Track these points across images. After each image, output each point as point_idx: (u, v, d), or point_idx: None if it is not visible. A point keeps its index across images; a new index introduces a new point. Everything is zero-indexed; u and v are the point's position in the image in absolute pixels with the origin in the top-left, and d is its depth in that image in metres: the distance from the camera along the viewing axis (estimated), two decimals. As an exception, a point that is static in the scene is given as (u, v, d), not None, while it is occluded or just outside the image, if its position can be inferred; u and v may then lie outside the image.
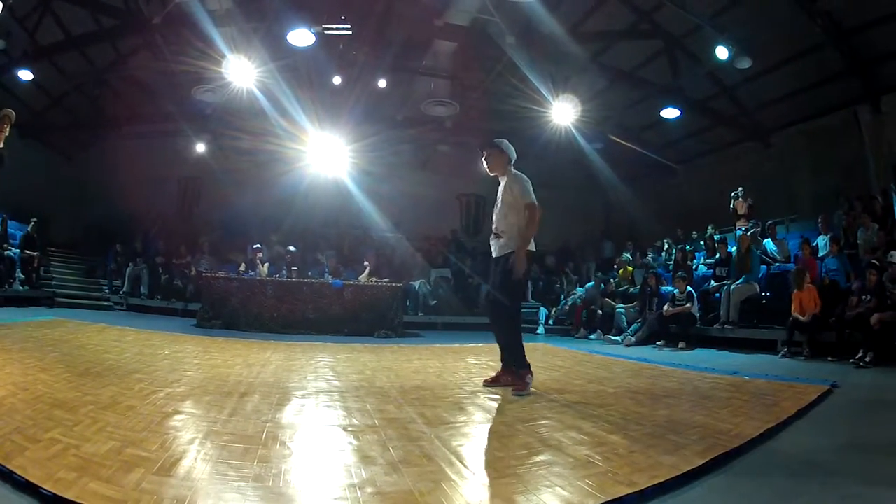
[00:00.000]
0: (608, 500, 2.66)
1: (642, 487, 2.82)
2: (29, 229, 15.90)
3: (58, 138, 19.84)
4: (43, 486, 2.61)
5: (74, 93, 18.42)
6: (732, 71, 13.76)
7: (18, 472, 2.76)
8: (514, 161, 6.15)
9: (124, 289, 17.10)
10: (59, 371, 5.60)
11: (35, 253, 15.64)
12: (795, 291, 9.97)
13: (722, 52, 12.94)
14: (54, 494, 2.55)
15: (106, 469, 2.86)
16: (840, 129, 14.48)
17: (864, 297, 8.97)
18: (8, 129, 7.78)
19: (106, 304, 16.91)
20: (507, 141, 6.21)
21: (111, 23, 14.96)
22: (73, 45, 15.78)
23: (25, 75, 15.64)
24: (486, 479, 2.96)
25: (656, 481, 2.91)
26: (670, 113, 16.29)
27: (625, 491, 2.76)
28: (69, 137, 20.44)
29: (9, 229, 15.38)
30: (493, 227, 6.07)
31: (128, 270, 17.26)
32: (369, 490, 2.72)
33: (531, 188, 5.87)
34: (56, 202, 18.65)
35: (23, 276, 15.05)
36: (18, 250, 15.19)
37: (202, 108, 17.69)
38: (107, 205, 19.64)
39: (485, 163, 6.15)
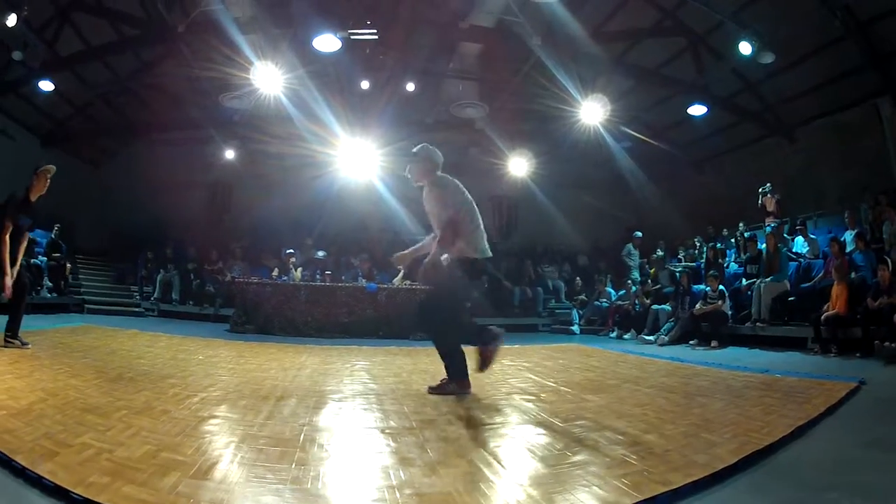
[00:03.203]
0: (643, 498, 2.67)
1: (677, 486, 2.83)
2: (53, 235, 16.02)
3: (82, 146, 20.00)
4: (73, 491, 2.60)
5: (98, 101, 18.55)
6: (756, 66, 13.65)
7: (48, 476, 2.75)
8: (440, 165, 5.91)
9: (155, 295, 17.29)
10: (91, 377, 5.63)
11: (60, 255, 15.81)
12: (835, 285, 9.95)
13: (745, 48, 12.83)
14: (85, 498, 2.55)
15: (140, 473, 2.87)
16: (862, 123, 14.33)
17: (881, 297, 8.94)
18: (47, 183, 7.89)
19: (136, 310, 17.08)
20: (428, 146, 5.96)
21: (133, 32, 15.03)
22: (94, 56, 15.88)
23: (46, 85, 15.77)
24: (523, 480, 2.97)
25: (690, 480, 2.92)
26: (697, 110, 16.23)
27: (660, 489, 2.77)
28: (94, 145, 20.60)
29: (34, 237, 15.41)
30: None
31: (159, 277, 17.45)
32: (408, 491, 2.73)
33: (456, 194, 5.72)
34: (81, 210, 18.77)
35: (50, 284, 15.16)
36: (45, 258, 15.33)
37: (230, 114, 17.79)
38: (134, 211, 19.82)
39: (409, 175, 5.93)
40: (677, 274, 14.42)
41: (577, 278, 18.58)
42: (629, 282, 15.98)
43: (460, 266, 5.61)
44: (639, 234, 18.06)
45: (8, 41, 13.60)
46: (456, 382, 5.61)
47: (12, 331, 7.99)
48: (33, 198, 7.81)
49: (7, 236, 7.44)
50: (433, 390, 5.64)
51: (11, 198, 7.67)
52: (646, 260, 17.27)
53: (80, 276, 18.13)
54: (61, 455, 3.06)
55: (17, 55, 13.58)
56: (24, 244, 7.98)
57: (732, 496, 2.88)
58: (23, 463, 2.89)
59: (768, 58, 12.95)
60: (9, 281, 7.50)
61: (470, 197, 5.77)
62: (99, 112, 19.19)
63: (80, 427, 3.67)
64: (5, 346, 7.67)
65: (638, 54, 15.49)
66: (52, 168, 7.86)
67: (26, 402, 4.28)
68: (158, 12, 13.69)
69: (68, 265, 15.99)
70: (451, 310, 5.66)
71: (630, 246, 17.84)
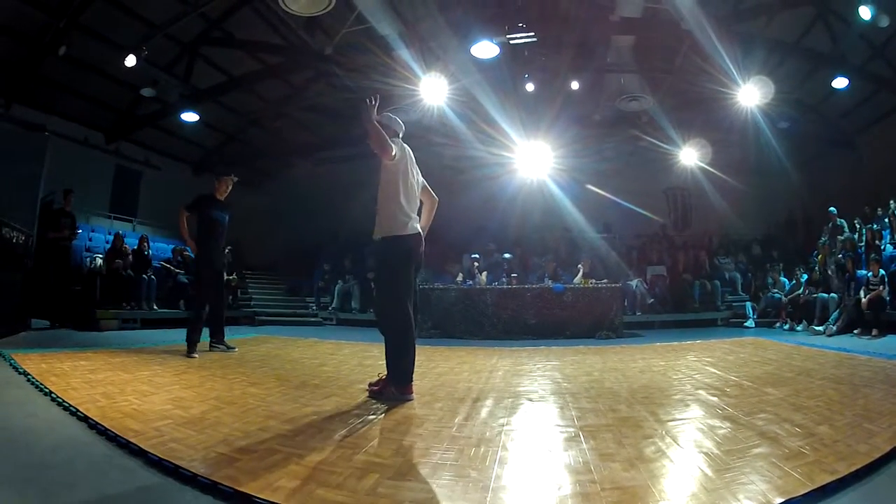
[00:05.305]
0: (814, 487, 2.77)
1: (842, 475, 2.93)
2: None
3: (240, 171, 20.43)
4: (258, 496, 2.64)
5: (252, 127, 19.37)
6: (879, 30, 13.22)
7: (227, 482, 2.80)
8: (401, 133, 5.87)
9: (333, 304, 17.91)
10: (272, 384, 5.86)
11: (232, 277, 16.26)
12: None
13: (865, 13, 12.49)
14: (271, 503, 2.60)
15: (336, 476, 2.96)
16: None
17: None
18: (229, 187, 9.11)
19: (312, 320, 17.74)
20: (387, 114, 5.86)
21: (275, 60, 15.60)
22: (237, 85, 16.46)
23: (190, 117, 16.58)
24: (710, 472, 3.04)
25: (853, 469, 3.01)
26: (840, 82, 15.43)
27: (828, 479, 2.86)
28: (252, 168, 21.33)
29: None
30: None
31: (337, 287, 18.11)
32: (609, 486, 2.82)
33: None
34: (247, 229, 18.81)
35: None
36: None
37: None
38: (301, 227, 20.74)
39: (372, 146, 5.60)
40: (841, 261, 13.88)
41: (769, 264, 17.72)
42: (798, 270, 15.39)
43: (414, 243, 5.77)
44: (833, 210, 16.88)
45: (132, 81, 14.52)
46: (397, 388, 5.28)
47: (217, 335, 8.75)
48: (220, 197, 8.97)
49: (184, 219, 8.65)
50: (372, 394, 5.37)
51: (200, 197, 8.89)
52: (842, 233, 16.16)
53: (251, 291, 19.00)
54: (242, 461, 3.18)
55: (147, 92, 14.51)
56: (223, 235, 8.99)
57: (883, 484, 3.00)
58: (194, 470, 2.98)
59: (884, 21, 12.53)
60: (193, 245, 8.69)
61: None
62: (253, 137, 20.08)
63: (263, 433, 3.81)
64: (211, 350, 8.45)
65: (778, 29, 14.82)
66: (233, 177, 9.12)
67: (197, 411, 4.44)
68: (299, 38, 13.96)
69: (233, 279, 16.51)
70: (397, 292, 5.52)
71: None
